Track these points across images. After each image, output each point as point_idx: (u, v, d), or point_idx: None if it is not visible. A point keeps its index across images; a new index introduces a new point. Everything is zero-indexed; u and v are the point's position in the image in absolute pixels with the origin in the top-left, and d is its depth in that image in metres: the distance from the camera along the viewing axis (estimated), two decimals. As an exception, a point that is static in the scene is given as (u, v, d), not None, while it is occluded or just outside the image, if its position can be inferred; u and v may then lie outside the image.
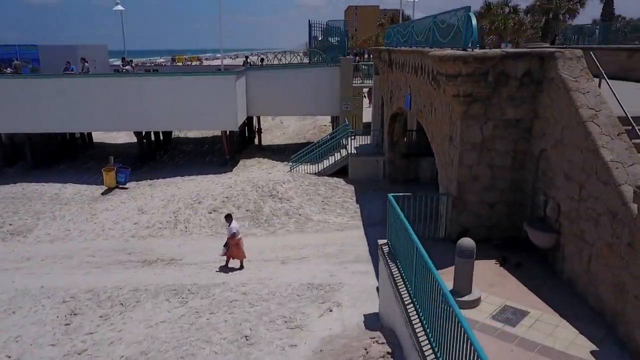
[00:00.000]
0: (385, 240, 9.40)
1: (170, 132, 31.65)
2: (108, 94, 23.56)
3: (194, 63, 76.41)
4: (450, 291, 7.06)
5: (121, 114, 23.73)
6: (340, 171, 21.86)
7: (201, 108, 23.42)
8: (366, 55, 51.49)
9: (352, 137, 22.78)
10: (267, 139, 32.23)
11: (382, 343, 8.23)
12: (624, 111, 7.41)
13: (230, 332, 9.97)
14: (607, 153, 6.68)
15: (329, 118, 33.10)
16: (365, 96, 34.50)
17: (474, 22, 8.67)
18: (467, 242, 7.04)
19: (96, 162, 25.09)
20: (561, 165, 7.83)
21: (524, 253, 8.72)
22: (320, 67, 27.45)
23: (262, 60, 34.35)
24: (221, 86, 23.60)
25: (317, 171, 21.91)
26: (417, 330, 6.63)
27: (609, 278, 6.47)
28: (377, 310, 10.03)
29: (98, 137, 32.17)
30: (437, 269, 6.15)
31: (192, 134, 33.07)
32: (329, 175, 21.44)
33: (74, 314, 11.24)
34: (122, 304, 11.61)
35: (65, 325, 10.82)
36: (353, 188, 19.92)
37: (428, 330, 6.40)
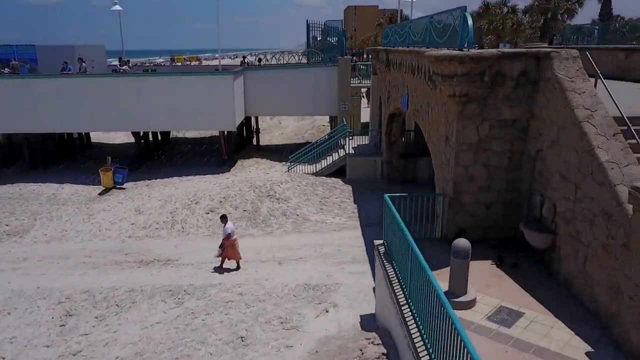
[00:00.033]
0: (381, 241, 9.38)
1: (169, 132, 31.61)
2: (106, 94, 23.51)
3: (193, 63, 76.46)
4: (446, 292, 7.07)
5: (119, 114, 23.68)
6: (338, 171, 21.82)
7: (199, 108, 23.38)
8: (365, 55, 51.49)
9: (350, 137, 22.75)
10: (266, 139, 32.20)
11: (377, 344, 8.21)
12: (620, 111, 7.38)
13: (225, 333, 9.94)
14: (603, 153, 6.66)
15: (327, 118, 33.08)
16: (363, 96, 34.47)
17: (470, 22, 8.65)
18: (462, 242, 7.02)
19: (94, 162, 25.03)
20: (557, 165, 7.81)
21: (520, 253, 8.70)
22: (318, 67, 27.42)
23: (259, 60, 34.30)
24: (219, 86, 23.56)
25: (315, 171, 21.87)
26: (412, 331, 6.60)
27: (604, 279, 6.45)
28: (373, 311, 10.02)
29: (96, 137, 32.11)
30: (434, 270, 6.13)
31: (191, 134, 33.03)
32: (326, 176, 21.41)
33: (69, 315, 11.20)
34: (117, 305, 11.57)
35: (61, 326, 10.78)
36: (351, 188, 19.89)
37: (423, 331, 6.37)
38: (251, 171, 23.01)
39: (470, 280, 7.32)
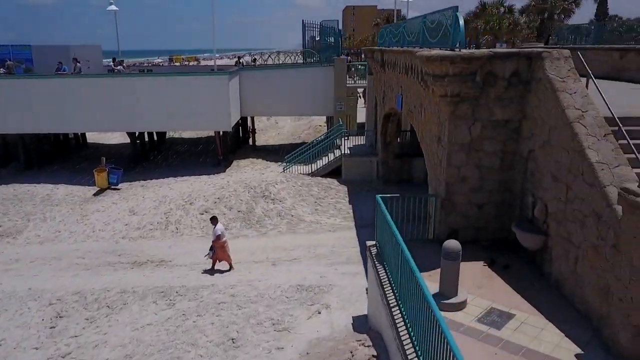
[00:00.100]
0: (373, 242, 9.31)
1: (165, 133, 31.53)
2: (101, 95, 23.45)
3: (191, 63, 76.24)
4: (437, 294, 7.02)
5: (114, 115, 23.63)
6: (333, 172, 21.76)
7: (194, 108, 23.33)
8: (362, 55, 51.40)
9: (346, 138, 22.67)
10: (262, 139, 32.12)
11: (368, 346, 8.15)
12: (611, 112, 7.33)
13: (216, 335, 9.86)
14: (593, 154, 6.61)
15: (324, 118, 33.00)
16: (360, 96, 34.41)
17: (462, 22, 8.60)
18: (452, 244, 6.96)
19: (89, 162, 24.92)
20: (549, 166, 7.76)
21: (512, 254, 8.65)
22: (314, 67, 27.36)
23: (254, 60, 34.21)
24: (214, 86, 23.50)
25: (310, 172, 21.80)
26: (401, 333, 6.53)
27: (595, 280, 6.39)
28: (366, 312, 9.95)
29: (92, 137, 32.02)
30: (425, 271, 6.06)
31: (187, 134, 32.95)
32: (322, 176, 21.34)
33: (60, 317, 11.12)
34: (108, 307, 11.49)
35: (50, 328, 10.69)
36: (346, 189, 19.83)
37: (412, 333, 6.30)
38: (247, 171, 22.94)
39: (462, 281, 7.26)
